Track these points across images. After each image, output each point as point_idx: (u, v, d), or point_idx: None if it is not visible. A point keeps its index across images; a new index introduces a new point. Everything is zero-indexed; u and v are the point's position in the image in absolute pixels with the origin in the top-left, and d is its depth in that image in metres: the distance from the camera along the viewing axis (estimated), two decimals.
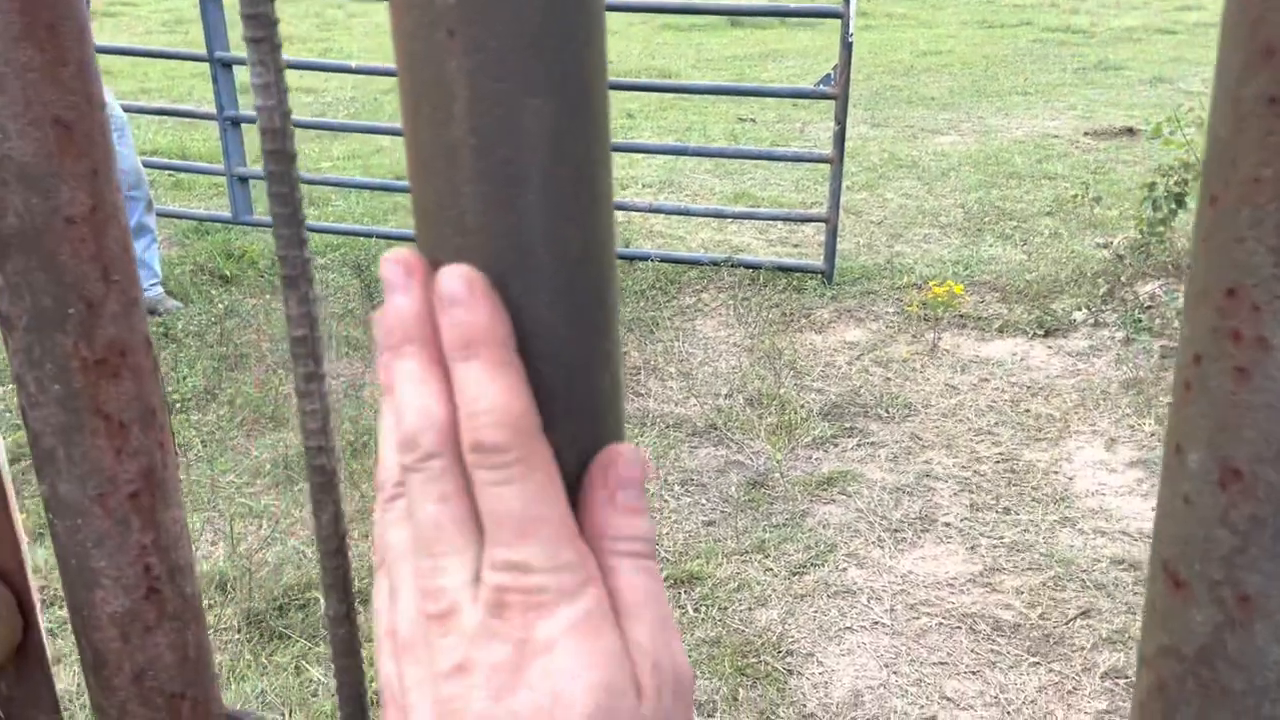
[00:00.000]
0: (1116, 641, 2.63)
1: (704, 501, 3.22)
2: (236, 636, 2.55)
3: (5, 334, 0.72)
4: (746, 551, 2.98)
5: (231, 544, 2.89)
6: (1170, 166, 4.74)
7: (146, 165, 5.04)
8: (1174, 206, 4.63)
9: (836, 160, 4.68)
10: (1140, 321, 4.27)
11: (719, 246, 5.37)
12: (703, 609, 2.74)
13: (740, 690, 2.47)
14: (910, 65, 10.86)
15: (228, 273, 4.87)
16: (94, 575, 0.77)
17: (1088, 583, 2.84)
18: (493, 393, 0.32)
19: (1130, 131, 7.65)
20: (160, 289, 4.51)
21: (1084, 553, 2.96)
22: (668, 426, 3.62)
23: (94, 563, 0.77)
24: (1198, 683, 0.36)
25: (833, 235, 4.79)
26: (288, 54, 10.36)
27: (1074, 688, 2.50)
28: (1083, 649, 2.61)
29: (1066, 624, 2.69)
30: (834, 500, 3.23)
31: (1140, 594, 2.78)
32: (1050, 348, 4.21)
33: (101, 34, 11.49)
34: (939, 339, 4.28)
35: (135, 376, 0.75)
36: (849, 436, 3.59)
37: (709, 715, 2.42)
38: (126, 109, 4.91)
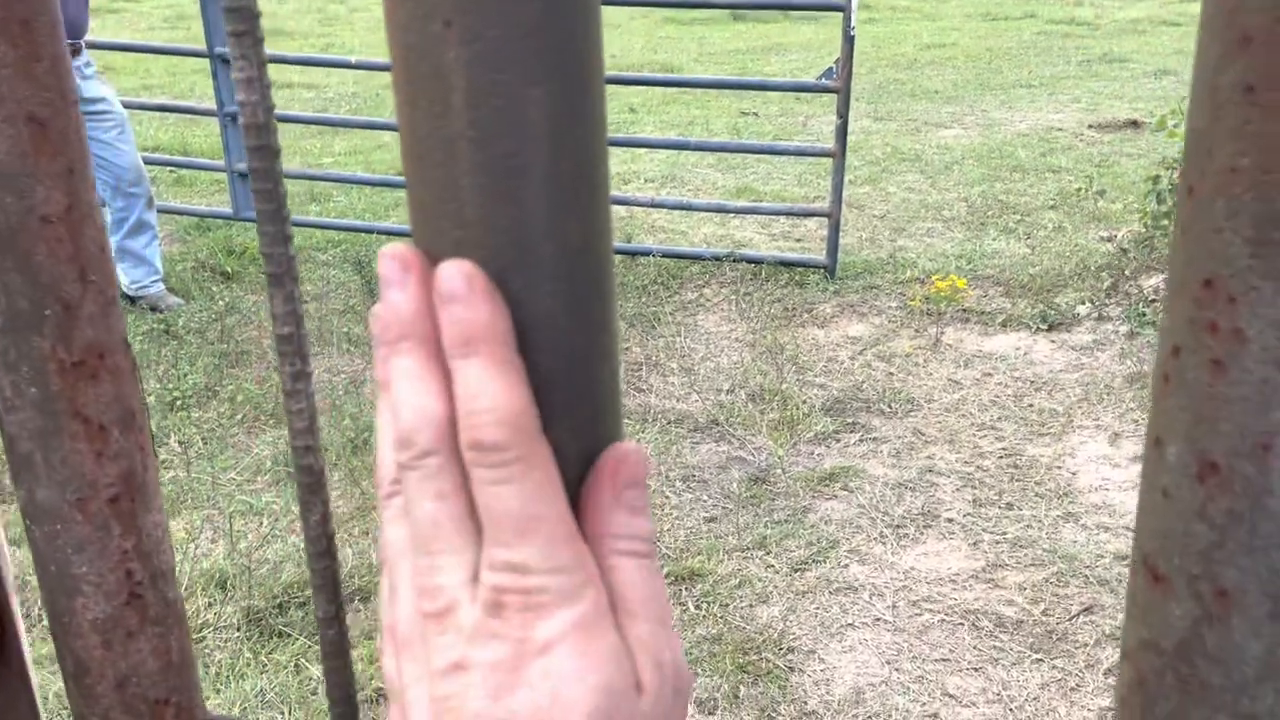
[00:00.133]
0: (1120, 638, 2.61)
1: (705, 498, 3.21)
2: (236, 635, 2.55)
3: None
4: (748, 548, 2.96)
5: (231, 542, 2.88)
6: (1174, 159, 4.71)
7: (148, 162, 5.03)
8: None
9: (839, 154, 4.66)
10: (1144, 315, 4.25)
11: (721, 241, 5.35)
12: (704, 606, 2.73)
13: (741, 688, 2.46)
14: (913, 58, 10.82)
15: (229, 269, 4.87)
16: (74, 581, 0.75)
17: (1091, 579, 2.83)
18: (492, 391, 0.31)
19: (1135, 124, 7.62)
20: (161, 285, 4.50)
21: (1087, 548, 2.95)
22: (669, 422, 3.61)
23: (74, 569, 0.75)
24: (1176, 677, 0.36)
25: (835, 230, 4.77)
26: (289, 50, 10.35)
27: (1077, 684, 2.48)
28: (1086, 645, 2.60)
29: (1069, 620, 2.68)
30: (836, 496, 3.21)
31: None
32: (1054, 342, 4.19)
33: (103, 30, 11.49)
34: (942, 333, 4.26)
35: (114, 378, 0.74)
36: (851, 432, 3.57)
37: (710, 713, 2.41)
38: (128, 105, 4.90)
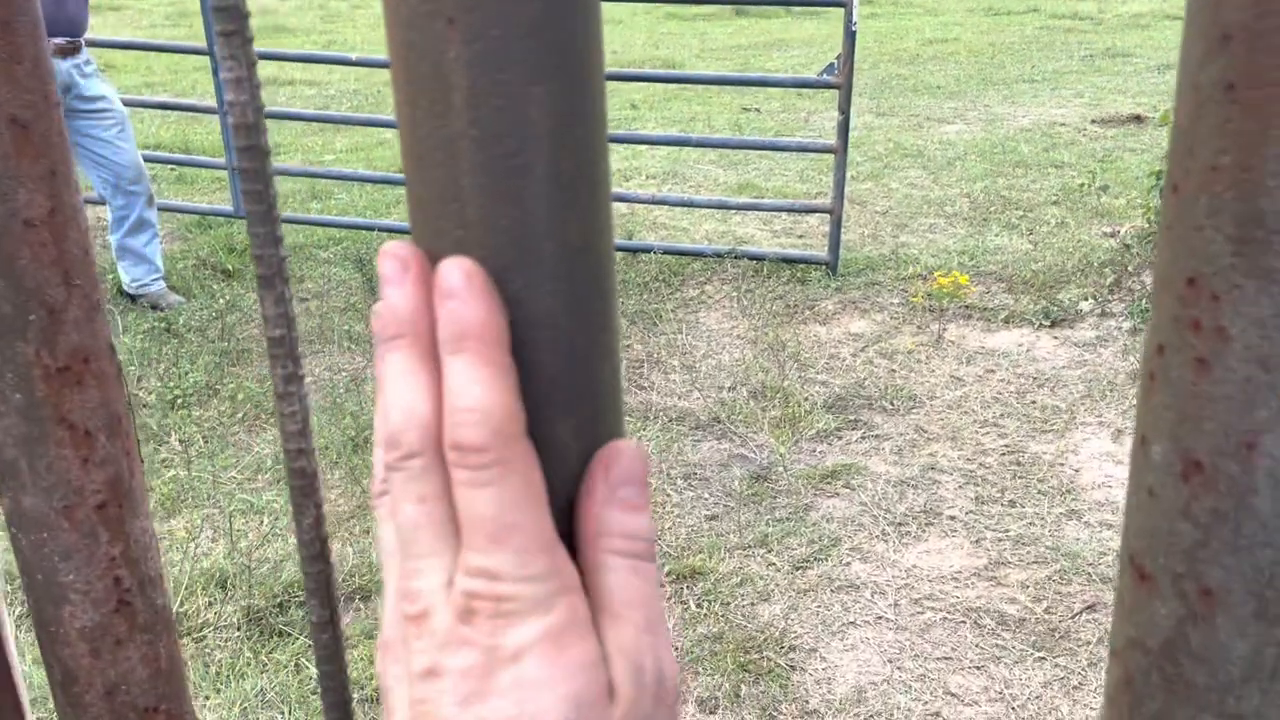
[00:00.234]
0: None
1: (707, 495, 3.20)
2: (236, 634, 2.54)
3: None
4: (749, 546, 2.95)
5: (231, 541, 2.88)
6: None
7: (149, 159, 5.03)
8: None
9: (841, 150, 4.64)
10: (1147, 311, 4.21)
11: (723, 238, 5.34)
12: (705, 604, 2.73)
13: (743, 686, 2.45)
14: (916, 53, 10.79)
15: (230, 267, 4.86)
16: (62, 590, 0.75)
17: (1094, 576, 2.81)
18: (476, 391, 0.31)
19: (1138, 119, 7.59)
20: (162, 283, 4.50)
21: (1090, 546, 2.93)
22: (670, 420, 3.60)
23: (61, 577, 0.75)
24: (1162, 676, 0.36)
25: (837, 226, 4.75)
26: (291, 47, 10.34)
27: (1080, 683, 2.47)
28: (1088, 643, 2.59)
29: (1072, 618, 2.67)
30: (838, 494, 3.20)
31: None
32: (1056, 338, 4.17)
33: (105, 28, 11.49)
34: (944, 330, 4.25)
35: (100, 383, 0.73)
36: (853, 429, 3.56)
37: (711, 712, 2.40)
38: (130, 103, 4.89)
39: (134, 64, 9.97)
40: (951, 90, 9.00)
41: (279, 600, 2.66)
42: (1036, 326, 4.25)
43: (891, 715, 2.38)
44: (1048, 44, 11.10)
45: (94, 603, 0.77)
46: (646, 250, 5.01)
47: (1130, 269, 4.56)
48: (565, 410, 0.34)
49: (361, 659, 2.48)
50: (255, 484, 3.22)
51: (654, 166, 6.69)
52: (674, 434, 3.52)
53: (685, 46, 11.40)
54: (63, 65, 3.96)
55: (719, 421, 3.60)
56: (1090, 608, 2.71)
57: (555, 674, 0.31)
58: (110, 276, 4.56)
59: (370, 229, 5.37)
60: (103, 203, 4.48)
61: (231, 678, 2.43)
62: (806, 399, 3.72)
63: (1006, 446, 3.44)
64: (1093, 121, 7.65)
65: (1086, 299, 4.43)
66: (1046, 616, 2.68)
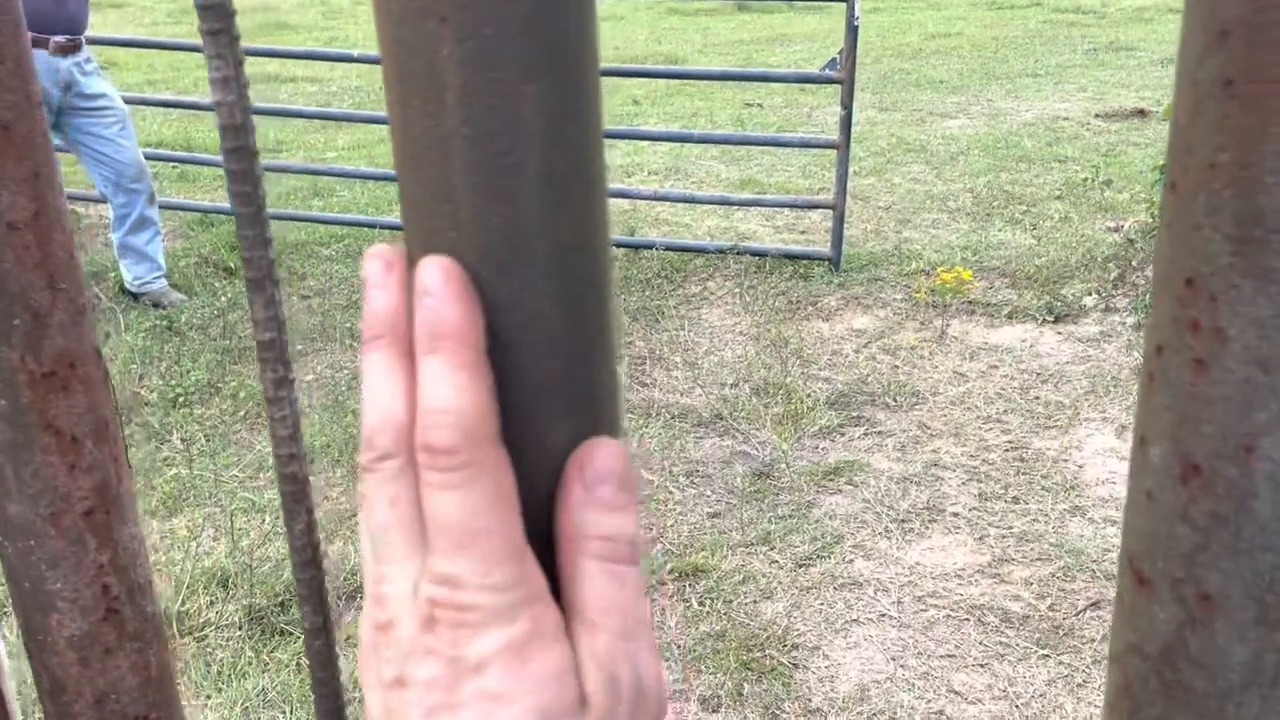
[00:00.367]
0: None
1: (709, 493, 3.19)
2: (238, 633, 2.54)
3: None
4: (752, 543, 2.94)
5: (233, 540, 2.87)
6: None
7: (151, 157, 5.02)
8: None
9: (843, 145, 4.63)
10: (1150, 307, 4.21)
11: (725, 234, 5.32)
12: (707, 602, 2.72)
13: (745, 685, 2.44)
14: (919, 48, 10.76)
15: (232, 265, 4.85)
16: (49, 598, 0.74)
17: (1098, 573, 2.80)
18: (448, 392, 0.30)
19: (1142, 113, 7.56)
20: (164, 281, 4.50)
21: (1094, 542, 2.92)
22: (673, 417, 3.59)
23: (49, 585, 0.74)
24: (1161, 682, 0.35)
25: (839, 222, 4.73)
26: (293, 44, 10.32)
27: (1084, 680, 2.46)
28: (1093, 641, 2.57)
29: (1076, 615, 2.66)
30: (841, 491, 3.19)
31: None
32: (1060, 334, 4.15)
33: (106, 25, 11.48)
34: (947, 326, 4.23)
35: (86, 388, 0.72)
36: (856, 426, 3.55)
37: (714, 710, 2.39)
38: (132, 100, 4.89)
39: (136, 61, 9.96)
40: (954, 85, 8.98)
41: (280, 599, 2.66)
42: (1040, 322, 4.24)
43: (895, 713, 2.37)
44: (1051, 38, 11.06)
45: (82, 611, 0.76)
46: (648, 246, 4.99)
47: (1134, 264, 4.54)
48: (562, 414, 0.33)
49: None
50: (257, 482, 3.21)
51: (656, 162, 6.68)
52: (676, 431, 3.51)
53: (687, 42, 11.37)
54: (63, 63, 3.96)
55: (721, 418, 3.59)
56: (1094, 605, 2.70)
57: (520, 687, 0.31)
58: (112, 275, 4.56)
59: (372, 226, 5.36)
60: (104, 201, 4.48)
61: (233, 677, 2.42)
62: (809, 395, 3.71)
63: (1010, 443, 3.43)
64: (1096, 116, 7.62)
65: (1090, 294, 4.41)
66: (1050, 614, 2.67)
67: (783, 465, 3.31)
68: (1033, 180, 6.09)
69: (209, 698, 2.37)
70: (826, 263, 4.80)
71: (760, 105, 8.32)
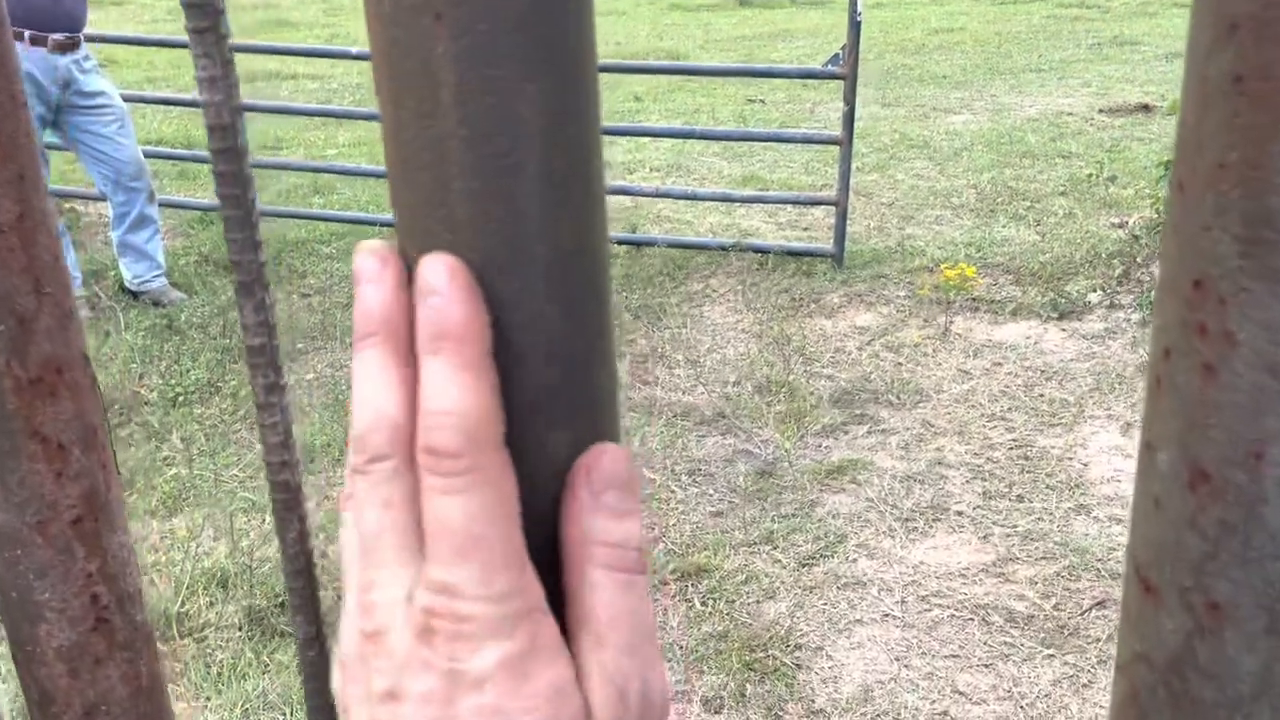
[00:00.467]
0: None
1: (711, 492, 3.18)
2: (238, 634, 2.53)
3: None
4: (754, 543, 2.93)
5: (233, 540, 2.86)
6: None
7: (152, 155, 5.00)
8: None
9: (846, 142, 4.61)
10: None
11: (727, 231, 5.30)
12: (710, 602, 2.70)
13: (748, 685, 2.43)
14: (922, 43, 10.73)
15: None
16: (37, 608, 0.72)
17: (1103, 572, 2.78)
18: (453, 393, 0.29)
19: (1146, 108, 7.53)
20: (164, 280, 4.48)
21: (1099, 541, 2.90)
22: (675, 415, 3.58)
23: (37, 595, 0.72)
24: (1169, 692, 0.35)
25: (842, 218, 4.72)
26: (293, 41, 10.31)
27: (1089, 680, 2.45)
28: (1098, 640, 2.56)
29: (1081, 615, 2.64)
30: (844, 489, 3.18)
31: None
32: (1064, 331, 4.13)
33: (107, 23, 11.47)
34: (951, 323, 4.21)
35: (73, 395, 0.71)
36: (859, 424, 3.53)
37: (716, 711, 2.37)
38: (132, 99, 4.88)
39: (136, 59, 9.94)
40: (958, 80, 8.95)
41: (280, 600, 2.64)
42: (1044, 319, 4.22)
43: (899, 714, 2.36)
44: (1054, 33, 11.03)
45: (71, 621, 0.74)
46: (650, 244, 4.98)
47: (1139, 260, 4.52)
48: (561, 420, 0.32)
49: None
50: (257, 482, 3.20)
51: (658, 159, 6.66)
52: (678, 429, 3.49)
53: (689, 37, 11.35)
54: (61, 61, 3.94)
55: (724, 417, 3.57)
56: (1100, 604, 2.68)
57: (518, 704, 0.30)
58: (112, 273, 4.55)
59: (373, 224, 5.34)
60: (104, 199, 4.47)
61: (233, 678, 2.41)
62: (812, 393, 3.69)
63: (1014, 441, 3.41)
64: (1100, 111, 7.59)
65: (1095, 290, 4.39)
66: (1055, 613, 2.65)
67: (785, 464, 3.29)
68: (1037, 176, 6.07)
69: (209, 699, 2.36)
70: (829, 259, 4.78)
71: (763, 101, 8.30)
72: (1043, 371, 3.83)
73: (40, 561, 0.73)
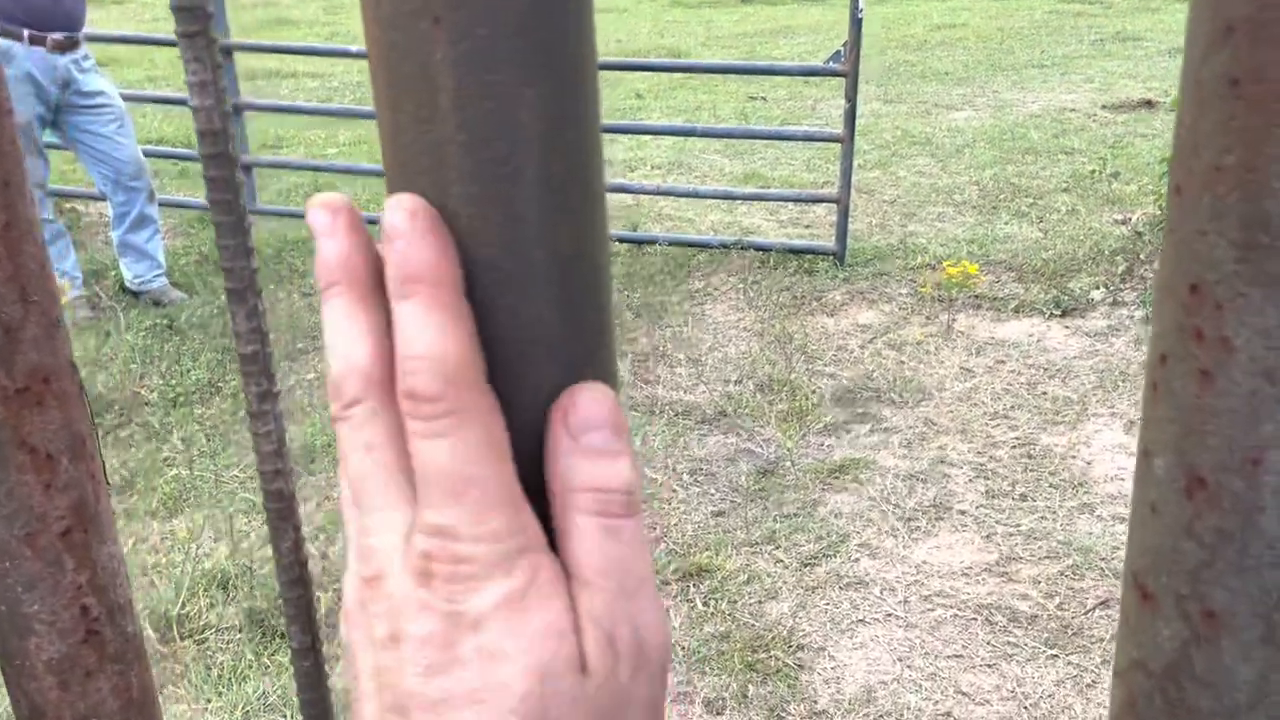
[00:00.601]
0: None
1: (713, 491, 3.17)
2: (238, 636, 2.52)
3: None
4: (756, 543, 2.92)
5: (233, 541, 2.85)
6: None
7: (152, 155, 4.99)
8: None
9: (847, 139, 4.59)
10: None
11: (729, 228, 5.29)
12: (711, 603, 2.69)
13: (750, 687, 2.42)
14: (924, 39, 10.71)
15: None
16: (26, 621, 0.71)
17: (1107, 571, 2.77)
18: (427, 336, 0.29)
19: (1149, 104, 7.51)
20: (164, 280, 4.47)
21: (1103, 540, 2.89)
22: (676, 414, 3.56)
23: (26, 608, 0.71)
24: (1165, 700, 0.35)
25: (844, 216, 4.70)
26: (293, 39, 10.29)
27: (1093, 680, 2.43)
28: (1102, 640, 2.55)
29: (1085, 614, 2.63)
30: (846, 489, 3.16)
31: None
32: (1067, 328, 4.12)
33: (108, 22, 11.46)
34: (953, 321, 4.20)
35: (61, 404, 0.70)
36: (861, 422, 3.52)
37: (718, 713, 2.36)
38: (133, 98, 4.87)
39: (137, 58, 9.93)
40: (960, 76, 8.92)
41: (281, 602, 2.63)
42: (1047, 316, 4.20)
43: (901, 715, 2.35)
44: (1057, 28, 11.00)
45: (61, 633, 0.73)
46: (651, 242, 4.96)
47: (1142, 256, 4.50)
48: None
49: None
50: (258, 483, 3.19)
51: (659, 156, 6.64)
52: (680, 428, 3.48)
53: (691, 34, 11.33)
54: (60, 60, 3.93)
55: (725, 415, 3.56)
56: (1104, 604, 2.67)
57: (518, 643, 0.29)
58: (112, 273, 4.54)
59: (374, 223, 5.30)
60: (104, 199, 4.46)
61: (233, 680, 2.40)
62: (814, 392, 3.68)
63: (1017, 439, 3.39)
64: (1103, 107, 7.56)
65: (1098, 287, 4.37)
66: (1059, 613, 2.64)
67: (787, 463, 3.28)
68: (1039, 173, 6.05)
69: (209, 701, 2.35)
70: (831, 257, 4.76)
71: (764, 98, 8.28)
72: (1046, 369, 3.82)
73: (29, 574, 0.72)
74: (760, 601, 2.70)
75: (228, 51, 5.20)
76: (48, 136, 4.13)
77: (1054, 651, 2.52)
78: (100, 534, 0.75)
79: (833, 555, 2.86)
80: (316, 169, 5.93)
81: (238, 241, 0.39)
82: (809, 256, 4.80)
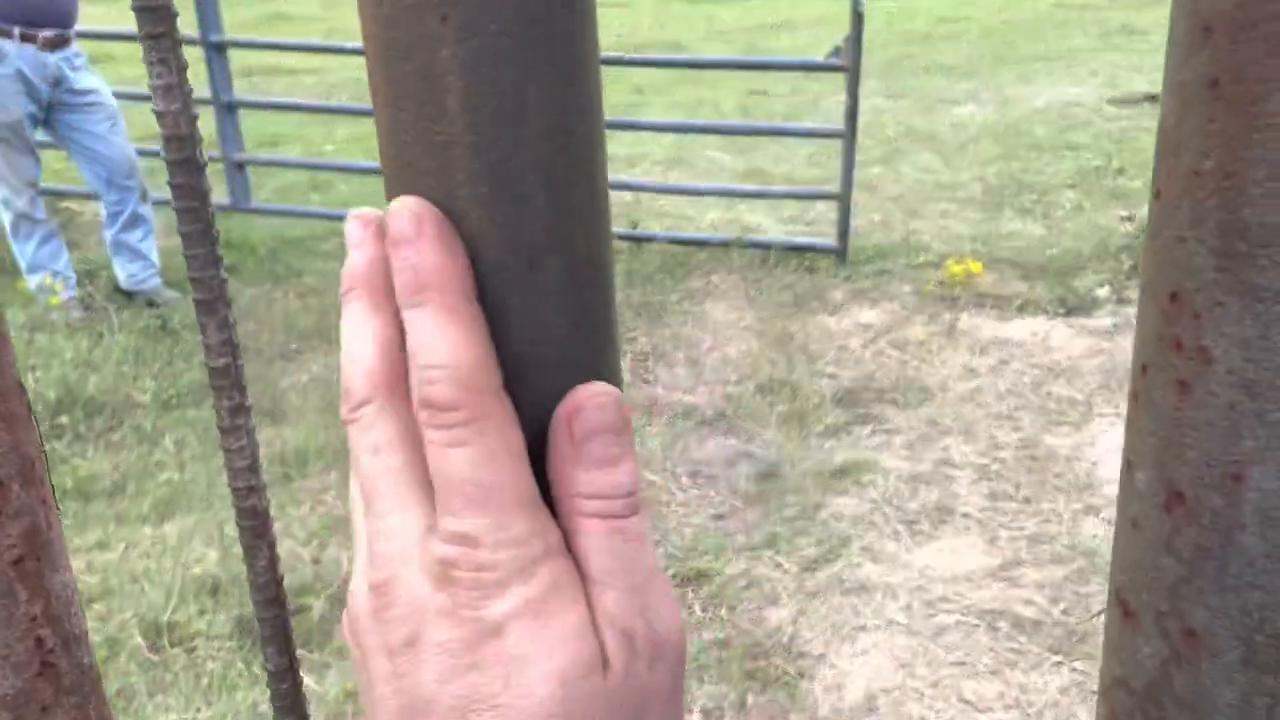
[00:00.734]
0: None
1: (713, 494, 3.12)
2: (228, 644, 2.48)
3: None
4: (756, 547, 2.88)
5: (224, 547, 2.81)
6: None
7: (147, 153, 4.95)
8: None
9: (849, 135, 4.54)
10: None
11: (729, 226, 5.24)
12: (710, 609, 2.65)
13: (749, 695, 2.37)
14: (927, 33, 10.65)
15: (227, 262, 4.79)
16: None
17: None
18: (442, 345, 0.29)
19: (1155, 99, 7.45)
20: (158, 279, 4.43)
21: (1109, 543, 2.84)
22: (675, 415, 3.52)
23: None
24: None
25: (846, 213, 4.66)
26: (290, 35, 10.24)
27: (1099, 688, 2.39)
28: None
29: (1091, 620, 2.58)
30: (848, 491, 3.12)
31: None
32: (1072, 327, 4.07)
33: (105, 18, 11.42)
34: (957, 319, 4.15)
35: (9, 426, 0.65)
36: (864, 424, 3.47)
37: None
38: (128, 95, 4.82)
39: (131, 55, 9.89)
40: (964, 70, 8.87)
41: None
42: (1052, 314, 4.16)
43: None
44: (1062, 21, 10.94)
45: (14, 668, 0.69)
46: (651, 239, 4.92)
47: None
48: None
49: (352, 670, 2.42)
50: None
51: (659, 153, 6.60)
52: (679, 430, 3.44)
53: (692, 28, 11.28)
54: (52, 58, 3.89)
55: (725, 417, 3.51)
56: None
57: (540, 648, 0.29)
58: (105, 273, 4.50)
59: None
60: (97, 198, 4.41)
61: (223, 689, 2.36)
62: (815, 393, 3.64)
63: (1022, 440, 3.35)
64: (1108, 101, 7.51)
65: (1103, 285, 4.33)
66: (1064, 618, 2.59)
67: (788, 465, 3.24)
68: (1044, 168, 6.00)
69: (198, 711, 2.31)
70: (833, 255, 4.72)
71: (765, 93, 8.23)
72: (1050, 369, 3.77)
73: None
74: (760, 607, 2.66)
75: (222, 48, 5.16)
76: (39, 135, 4.09)
77: (1059, 658, 2.47)
78: (53, 561, 0.71)
79: (834, 560, 2.82)
80: (314, 167, 5.89)
81: (206, 250, 0.38)
82: (810, 254, 4.76)
